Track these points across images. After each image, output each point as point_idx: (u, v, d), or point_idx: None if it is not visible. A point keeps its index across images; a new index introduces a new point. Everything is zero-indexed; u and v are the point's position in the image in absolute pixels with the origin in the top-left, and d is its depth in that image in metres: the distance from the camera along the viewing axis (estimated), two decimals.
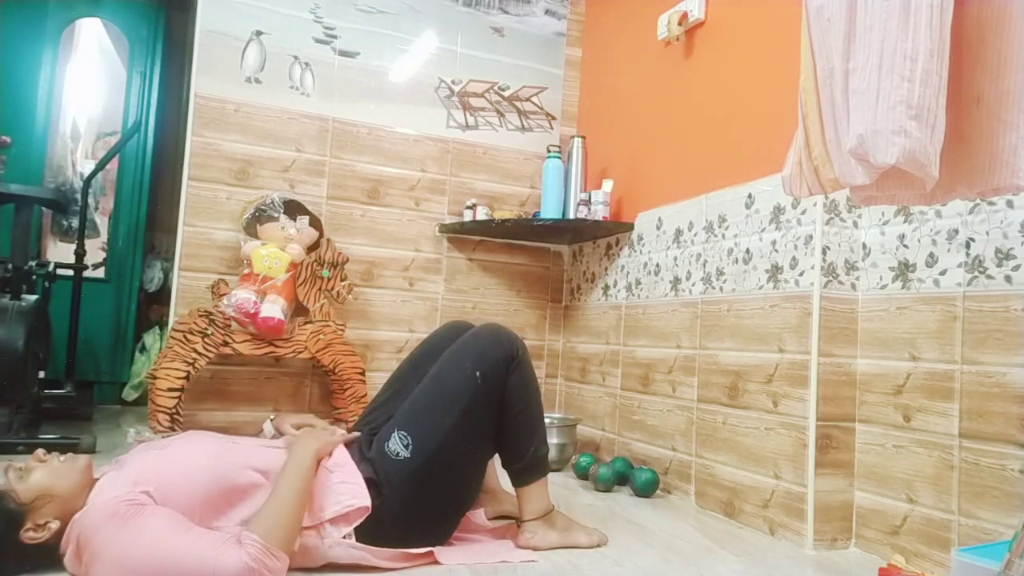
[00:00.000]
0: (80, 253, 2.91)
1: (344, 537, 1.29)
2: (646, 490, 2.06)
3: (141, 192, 3.61)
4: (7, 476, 1.18)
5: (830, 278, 1.67)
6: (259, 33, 2.46)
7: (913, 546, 1.49)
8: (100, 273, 3.50)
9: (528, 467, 1.52)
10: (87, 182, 2.98)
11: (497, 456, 1.54)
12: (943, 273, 1.49)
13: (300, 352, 2.24)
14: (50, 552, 1.17)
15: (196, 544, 1.10)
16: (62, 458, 1.24)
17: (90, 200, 3.14)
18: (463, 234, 2.70)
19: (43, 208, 2.88)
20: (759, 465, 1.78)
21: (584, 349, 2.68)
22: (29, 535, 1.15)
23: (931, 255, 1.52)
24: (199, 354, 2.11)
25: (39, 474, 1.19)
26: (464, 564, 1.37)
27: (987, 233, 1.41)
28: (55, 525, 1.16)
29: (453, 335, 1.59)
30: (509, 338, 1.52)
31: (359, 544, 1.30)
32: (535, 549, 1.48)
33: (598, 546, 1.55)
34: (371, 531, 1.31)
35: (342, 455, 1.40)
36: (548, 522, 1.52)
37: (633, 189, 2.50)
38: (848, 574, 1.47)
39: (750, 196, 1.91)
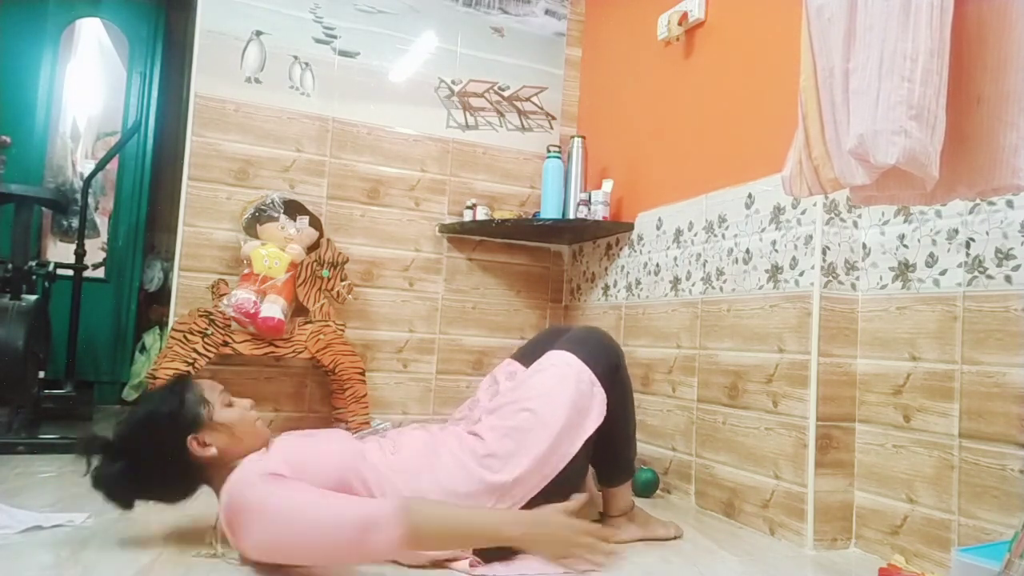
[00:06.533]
0: (80, 253, 2.91)
1: None
2: (646, 490, 2.06)
3: (141, 192, 3.62)
4: (219, 395, 1.35)
5: (830, 278, 1.67)
6: (259, 33, 2.46)
7: (913, 546, 1.49)
8: (100, 273, 3.50)
9: (620, 471, 1.63)
10: (87, 182, 2.98)
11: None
12: (943, 273, 1.49)
13: (300, 352, 2.24)
14: (189, 476, 1.31)
15: (355, 502, 1.22)
16: (260, 418, 1.40)
17: (90, 200, 3.14)
18: (463, 234, 2.70)
19: (43, 208, 2.89)
20: (759, 465, 1.78)
21: None
22: (193, 444, 1.28)
23: (931, 255, 1.52)
24: (199, 354, 2.11)
25: (237, 413, 1.35)
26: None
27: (987, 233, 1.41)
28: (213, 451, 1.29)
29: (553, 338, 1.65)
30: (612, 347, 1.60)
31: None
32: (619, 543, 1.53)
33: (675, 538, 1.63)
34: None
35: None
36: (630, 518, 1.63)
37: (633, 189, 2.50)
38: (848, 574, 1.47)
39: (750, 196, 1.91)
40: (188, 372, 2.07)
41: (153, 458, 1.28)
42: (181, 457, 1.29)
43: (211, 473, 1.31)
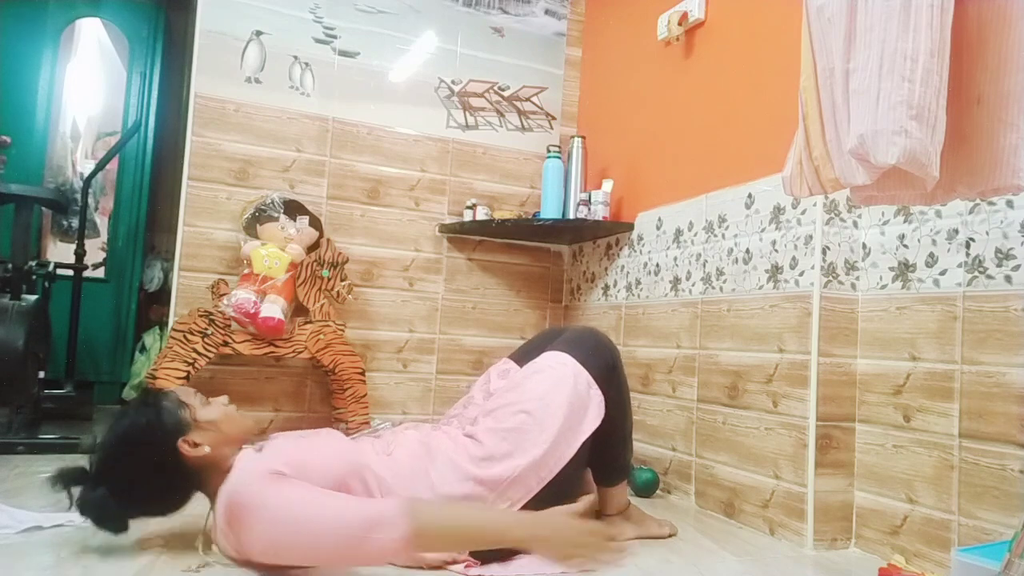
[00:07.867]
0: (80, 253, 2.91)
1: None
2: (646, 490, 2.06)
3: (141, 192, 3.61)
4: (194, 397, 1.35)
5: (830, 278, 1.67)
6: (259, 33, 2.46)
7: (913, 546, 1.49)
8: (100, 273, 3.50)
9: (617, 471, 1.63)
10: (87, 182, 2.98)
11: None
12: (943, 273, 1.49)
13: (300, 352, 2.24)
14: (183, 483, 1.29)
15: (359, 503, 1.21)
16: (240, 410, 1.41)
17: (90, 200, 3.14)
18: (463, 234, 2.70)
19: (43, 208, 2.88)
20: (759, 465, 1.78)
21: None
22: (184, 447, 1.27)
23: (931, 255, 1.52)
24: (199, 354, 2.11)
25: (218, 409, 1.35)
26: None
27: (987, 233, 1.41)
28: (206, 450, 1.28)
29: (550, 338, 1.65)
30: (608, 347, 1.59)
31: None
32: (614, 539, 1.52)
33: (670, 536, 1.64)
34: None
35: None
36: (626, 517, 1.65)
37: (633, 189, 2.50)
38: (848, 574, 1.47)
39: (750, 196, 1.91)
40: (188, 373, 2.07)
41: (145, 472, 1.26)
42: (174, 464, 1.26)
43: (205, 476, 1.29)
